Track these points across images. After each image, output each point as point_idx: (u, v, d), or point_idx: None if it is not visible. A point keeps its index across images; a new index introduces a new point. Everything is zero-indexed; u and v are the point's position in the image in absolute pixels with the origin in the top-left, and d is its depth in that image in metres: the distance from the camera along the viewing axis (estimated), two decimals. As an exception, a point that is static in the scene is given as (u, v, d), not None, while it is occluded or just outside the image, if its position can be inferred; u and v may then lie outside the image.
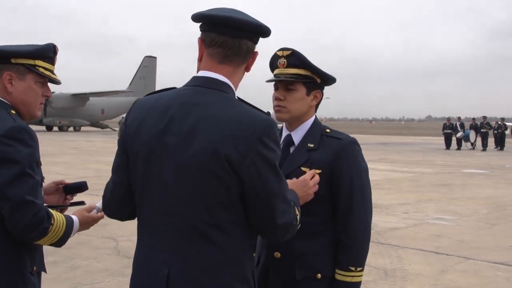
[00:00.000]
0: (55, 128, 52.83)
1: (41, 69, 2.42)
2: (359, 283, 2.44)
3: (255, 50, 1.93)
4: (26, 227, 2.19)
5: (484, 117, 33.41)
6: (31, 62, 2.40)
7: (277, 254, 2.48)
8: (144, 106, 1.90)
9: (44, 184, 2.54)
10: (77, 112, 52.06)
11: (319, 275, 2.42)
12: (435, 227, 9.06)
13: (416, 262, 6.79)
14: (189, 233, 1.77)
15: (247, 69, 1.95)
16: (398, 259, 6.91)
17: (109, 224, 7.54)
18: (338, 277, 2.42)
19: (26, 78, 2.40)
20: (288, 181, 2.09)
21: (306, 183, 2.30)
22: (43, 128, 51.44)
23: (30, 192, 2.19)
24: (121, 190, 1.95)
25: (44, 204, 2.49)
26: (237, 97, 1.88)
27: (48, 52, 2.45)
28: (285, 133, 2.61)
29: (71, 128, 54.03)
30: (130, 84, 59.24)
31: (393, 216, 9.93)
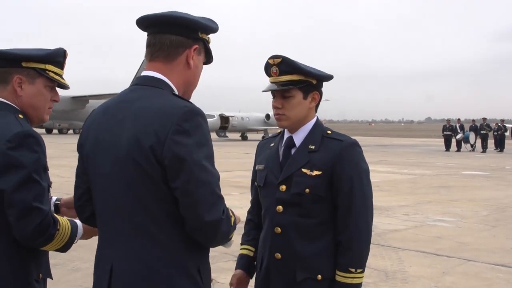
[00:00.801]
0: (55, 131, 52.85)
1: (51, 74, 2.42)
2: (359, 284, 2.44)
3: (194, 45, 1.96)
4: (33, 233, 2.18)
5: (484, 119, 33.45)
6: (41, 66, 2.40)
7: (278, 255, 2.48)
8: (94, 112, 2.02)
9: (64, 198, 2.61)
10: (76, 115, 52.05)
11: (319, 277, 2.42)
12: (436, 229, 9.06)
13: (417, 264, 6.79)
14: (130, 228, 1.82)
15: (188, 65, 1.97)
16: (398, 261, 6.90)
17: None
18: (338, 278, 2.42)
19: (36, 82, 2.40)
20: None
21: None
22: (43, 130, 51.47)
23: (37, 198, 2.18)
24: (78, 191, 2.08)
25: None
26: (174, 93, 1.92)
27: (58, 57, 2.46)
28: (286, 135, 2.61)
29: (70, 131, 54.04)
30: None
31: (393, 218, 9.93)
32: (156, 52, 1.94)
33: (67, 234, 2.31)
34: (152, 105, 1.82)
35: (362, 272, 2.44)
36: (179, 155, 1.74)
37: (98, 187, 1.93)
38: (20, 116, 2.35)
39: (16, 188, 2.16)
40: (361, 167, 2.48)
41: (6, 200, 2.17)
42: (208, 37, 2.03)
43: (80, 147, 2.01)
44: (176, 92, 1.94)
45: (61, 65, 2.48)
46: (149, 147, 1.75)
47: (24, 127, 2.28)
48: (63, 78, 2.50)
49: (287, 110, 2.51)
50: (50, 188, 2.41)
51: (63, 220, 2.32)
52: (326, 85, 2.65)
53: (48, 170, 2.37)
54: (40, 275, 2.34)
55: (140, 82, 1.96)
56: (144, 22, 1.96)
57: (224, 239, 1.91)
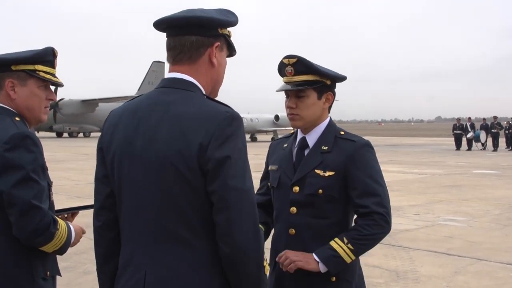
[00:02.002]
0: (65, 135, 53.09)
1: (41, 73, 2.45)
2: (340, 258, 2.36)
3: (216, 43, 1.90)
4: (33, 232, 2.20)
5: (495, 117, 33.21)
6: (31, 67, 2.43)
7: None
8: (117, 113, 1.94)
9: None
10: (86, 118, 52.32)
11: (333, 278, 2.42)
12: (447, 228, 9.02)
13: (428, 264, 6.76)
14: (164, 234, 1.77)
15: (212, 64, 1.92)
16: (410, 261, 6.87)
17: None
18: (332, 243, 2.39)
19: (28, 83, 2.43)
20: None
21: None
22: (53, 134, 51.72)
23: (36, 196, 2.22)
24: (99, 196, 1.96)
25: (55, 208, 2.51)
26: (204, 95, 1.88)
27: (47, 56, 2.48)
28: (299, 136, 2.61)
29: (80, 134, 54.30)
30: (138, 89, 59.45)
31: (404, 217, 9.89)
32: (178, 55, 1.89)
33: (64, 235, 2.33)
34: (190, 110, 1.77)
35: (353, 253, 2.37)
36: (222, 160, 1.71)
37: (126, 192, 1.86)
38: (17, 118, 2.38)
39: (15, 188, 2.19)
40: (374, 168, 2.48)
41: (6, 200, 2.20)
42: (229, 31, 1.97)
43: (101, 150, 1.93)
44: (204, 93, 1.90)
45: (51, 64, 2.50)
46: (190, 153, 1.71)
47: (20, 129, 2.31)
48: (55, 77, 2.52)
49: (301, 110, 2.51)
50: (51, 188, 2.44)
51: (61, 221, 2.35)
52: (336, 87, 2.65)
53: (47, 169, 2.40)
54: (48, 272, 2.36)
55: (169, 84, 1.89)
56: (162, 25, 1.91)
57: None
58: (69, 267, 6.37)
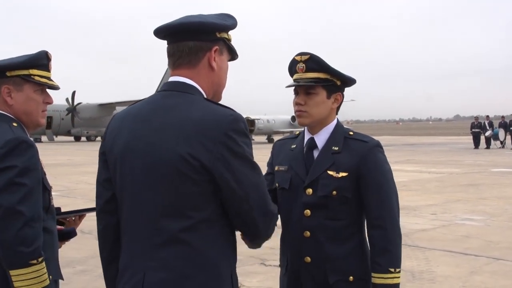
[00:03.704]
0: (83, 138, 53.60)
1: (36, 77, 2.47)
2: (398, 284, 2.41)
3: (214, 47, 1.93)
4: (14, 239, 2.16)
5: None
6: (25, 72, 2.45)
7: (308, 259, 2.47)
8: (119, 117, 1.97)
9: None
10: (104, 122, 52.68)
11: (351, 278, 2.42)
12: (464, 227, 8.93)
13: (445, 264, 6.71)
14: (164, 237, 1.77)
15: (211, 67, 1.94)
16: (425, 261, 6.83)
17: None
18: (377, 280, 2.39)
19: (24, 88, 2.46)
20: None
21: None
22: (71, 138, 52.26)
23: (21, 201, 2.20)
24: (101, 200, 1.99)
25: (63, 210, 2.52)
26: (205, 98, 1.89)
27: (41, 60, 2.51)
28: (307, 136, 2.60)
29: (98, 138, 54.75)
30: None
31: (421, 217, 9.82)
32: (177, 60, 1.92)
33: (44, 277, 2.26)
34: (193, 114, 1.79)
35: (400, 271, 2.41)
36: (227, 160, 1.75)
37: (127, 196, 1.87)
38: (14, 124, 2.41)
39: (2, 190, 2.19)
40: (385, 168, 2.48)
41: None
42: (228, 34, 1.99)
43: (104, 154, 1.96)
44: (206, 96, 1.92)
45: (46, 67, 2.53)
46: (196, 157, 1.73)
47: (16, 134, 2.33)
48: (51, 80, 2.54)
49: (310, 107, 2.49)
50: (51, 192, 2.46)
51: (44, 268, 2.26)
52: (352, 86, 2.66)
53: (45, 174, 2.41)
54: (50, 276, 2.36)
55: (170, 87, 1.92)
56: (161, 33, 1.94)
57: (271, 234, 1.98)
58: (86, 271, 6.41)
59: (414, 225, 8.99)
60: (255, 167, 1.84)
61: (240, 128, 1.79)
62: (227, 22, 1.96)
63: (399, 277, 2.40)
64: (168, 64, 1.97)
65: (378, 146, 2.51)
